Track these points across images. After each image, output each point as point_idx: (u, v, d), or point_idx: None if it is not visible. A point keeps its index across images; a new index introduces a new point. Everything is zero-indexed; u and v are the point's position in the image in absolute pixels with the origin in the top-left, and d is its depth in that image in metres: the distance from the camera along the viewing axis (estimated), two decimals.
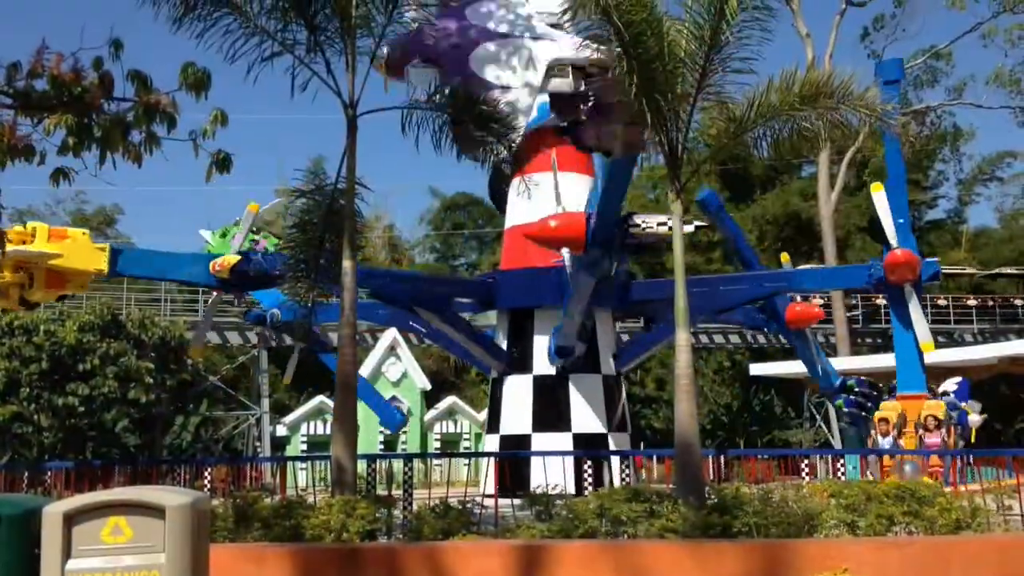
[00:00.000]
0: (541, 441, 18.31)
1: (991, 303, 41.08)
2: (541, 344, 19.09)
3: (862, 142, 34.20)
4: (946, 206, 54.35)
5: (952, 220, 53.63)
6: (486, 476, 14.86)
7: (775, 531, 9.69)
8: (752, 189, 48.31)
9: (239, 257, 16.70)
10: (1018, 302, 41.53)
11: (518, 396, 19.32)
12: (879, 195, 17.40)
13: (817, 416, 38.52)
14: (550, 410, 18.89)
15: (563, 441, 18.34)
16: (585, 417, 18.95)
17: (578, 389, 19.08)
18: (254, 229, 18.30)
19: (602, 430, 19.03)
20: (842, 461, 15.78)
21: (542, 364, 19.07)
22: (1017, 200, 53.58)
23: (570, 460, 16.36)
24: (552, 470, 13.95)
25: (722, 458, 18.30)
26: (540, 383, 19.12)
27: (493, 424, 19.99)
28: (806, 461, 15.22)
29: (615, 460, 16.53)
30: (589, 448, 18.10)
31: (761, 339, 39.05)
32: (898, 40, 41.11)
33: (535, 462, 14.66)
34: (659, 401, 38.34)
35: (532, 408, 19.03)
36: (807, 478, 14.48)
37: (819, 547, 9.27)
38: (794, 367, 32.06)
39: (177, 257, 17.71)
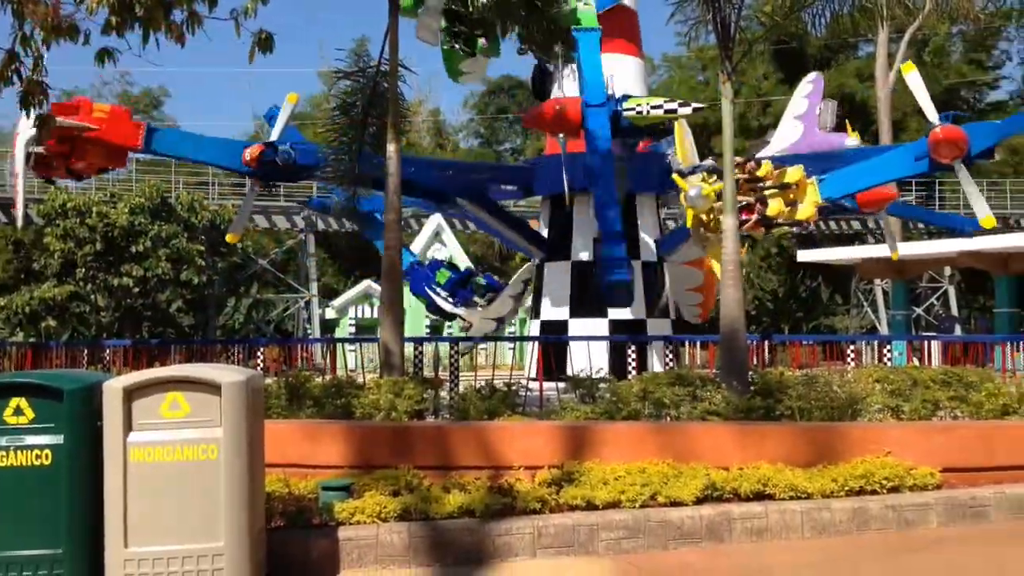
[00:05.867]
0: (578, 326, 18.39)
1: None
2: (580, 229, 18.96)
3: (923, 19, 32.59)
4: (1009, 87, 52.29)
5: (1015, 101, 51.58)
6: (530, 360, 15.03)
7: (818, 415, 9.74)
8: (806, 69, 46.61)
9: (262, 147, 16.58)
10: None
11: (557, 282, 19.37)
12: (912, 75, 16.56)
13: (865, 302, 38.26)
14: (588, 295, 18.86)
15: (600, 326, 18.40)
16: None
17: None
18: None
19: (640, 316, 19.02)
20: (889, 347, 15.61)
21: (581, 250, 18.99)
22: None
23: (606, 345, 16.40)
24: (594, 355, 14.05)
25: (766, 343, 18.22)
26: (579, 269, 19.09)
27: (536, 310, 20.13)
28: (852, 347, 15.15)
29: (658, 346, 16.56)
30: (628, 334, 18.12)
31: (810, 225, 38.36)
32: None
33: (575, 347, 14.81)
34: None
35: (570, 293, 19.07)
36: (852, 364, 14.45)
37: (862, 431, 9.32)
38: (842, 253, 31.56)
39: (209, 141, 17.70)
